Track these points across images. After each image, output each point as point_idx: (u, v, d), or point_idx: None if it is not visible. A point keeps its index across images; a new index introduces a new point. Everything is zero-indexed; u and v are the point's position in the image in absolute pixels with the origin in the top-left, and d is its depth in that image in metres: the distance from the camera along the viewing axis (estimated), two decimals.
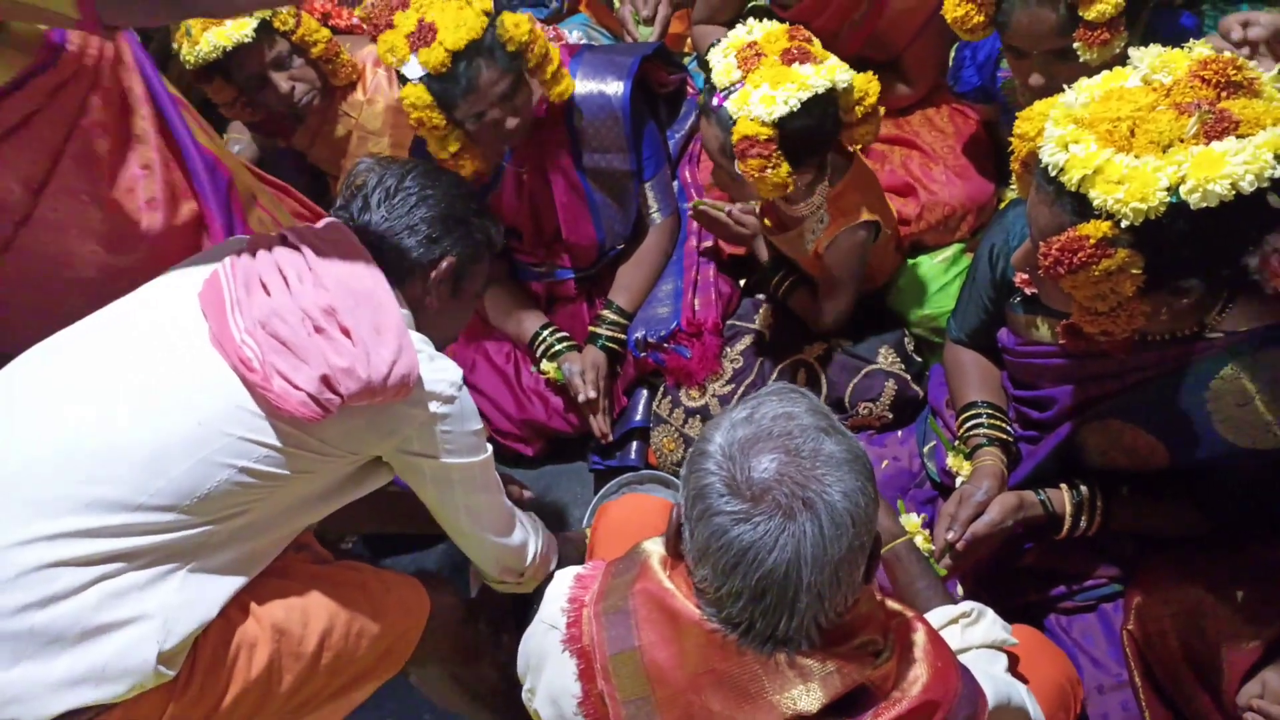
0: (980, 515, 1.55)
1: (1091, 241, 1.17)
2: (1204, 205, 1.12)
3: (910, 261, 2.24)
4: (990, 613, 1.39)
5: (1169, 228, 1.15)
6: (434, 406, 1.47)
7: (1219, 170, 1.10)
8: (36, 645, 1.25)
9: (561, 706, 1.22)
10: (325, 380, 1.34)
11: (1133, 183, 1.14)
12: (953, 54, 2.14)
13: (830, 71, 1.75)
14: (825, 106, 1.76)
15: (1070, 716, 1.48)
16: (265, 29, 2.21)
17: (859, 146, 1.94)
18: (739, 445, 1.05)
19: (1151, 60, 1.24)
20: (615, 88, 2.17)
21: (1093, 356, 1.48)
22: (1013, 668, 1.38)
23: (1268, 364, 1.34)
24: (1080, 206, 1.20)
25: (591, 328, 2.31)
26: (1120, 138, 1.17)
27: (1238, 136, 1.13)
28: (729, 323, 2.28)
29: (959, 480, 1.68)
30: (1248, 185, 1.11)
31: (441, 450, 1.51)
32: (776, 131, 1.71)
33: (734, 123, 1.74)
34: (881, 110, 1.86)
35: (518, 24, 1.93)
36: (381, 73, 2.41)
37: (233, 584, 1.41)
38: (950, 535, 1.55)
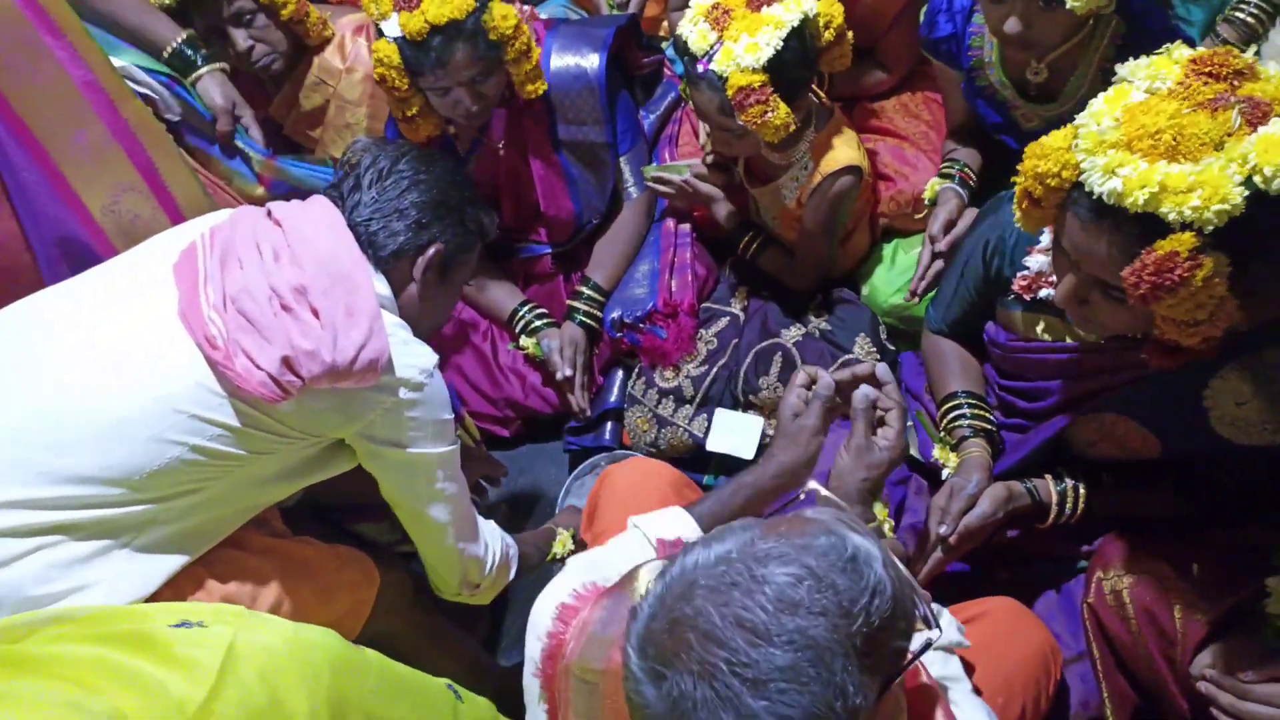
0: (971, 508, 1.53)
1: (1183, 257, 1.13)
2: None
3: (882, 252, 2.22)
4: (946, 614, 1.34)
5: (1248, 221, 1.12)
6: (403, 393, 1.42)
7: None
8: None
9: None
10: (287, 361, 1.29)
11: (1205, 187, 1.11)
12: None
13: (798, 3, 1.82)
14: (803, 36, 1.84)
15: (1050, 681, 1.47)
16: None
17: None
18: (685, 614, 0.84)
19: (1144, 71, 1.21)
20: (591, 60, 2.16)
21: (1092, 353, 1.46)
22: (966, 667, 1.33)
23: (1269, 364, 1.33)
24: (1147, 228, 1.16)
25: (569, 303, 2.27)
26: (1166, 148, 1.14)
27: (1277, 116, 1.12)
28: (705, 305, 2.26)
29: (945, 472, 1.66)
30: None
31: (407, 438, 1.46)
32: (768, 74, 1.79)
33: (725, 81, 1.81)
34: (850, 35, 1.92)
35: (505, 16, 1.90)
36: (362, 41, 2.33)
37: (178, 561, 1.37)
38: (943, 529, 1.52)
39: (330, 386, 1.35)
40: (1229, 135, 1.12)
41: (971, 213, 2.01)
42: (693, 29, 1.87)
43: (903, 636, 0.88)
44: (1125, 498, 1.58)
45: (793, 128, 1.86)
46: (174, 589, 1.37)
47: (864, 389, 1.36)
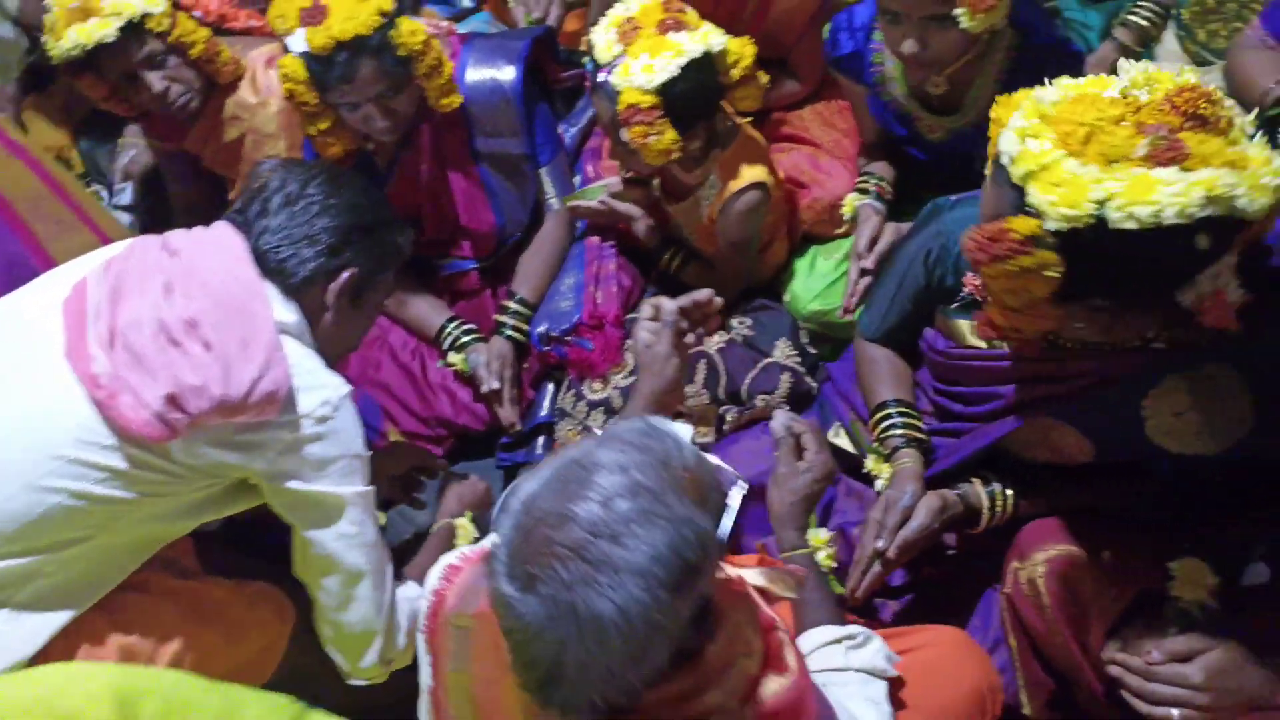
0: (907, 520, 1.53)
1: (1015, 236, 1.15)
2: (1123, 227, 1.10)
3: (801, 258, 2.23)
4: (877, 640, 1.35)
5: (1090, 241, 1.13)
6: (306, 426, 1.35)
7: (1147, 196, 1.08)
8: None
9: (423, 701, 1.18)
10: (172, 398, 1.24)
11: (1068, 188, 1.12)
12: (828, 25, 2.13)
13: (704, 37, 1.84)
14: (704, 71, 1.85)
15: (987, 718, 1.46)
16: (134, 29, 2.10)
17: (748, 119, 2.03)
18: (534, 519, 0.93)
19: (1135, 75, 1.20)
20: (506, 73, 2.17)
21: (1030, 361, 1.46)
22: (894, 691, 1.34)
23: (1206, 376, 1.34)
24: (1020, 200, 1.17)
25: (496, 317, 2.27)
26: (1075, 142, 1.14)
27: (1182, 169, 1.11)
28: (630, 316, 2.24)
29: (879, 484, 1.66)
30: (1170, 217, 1.08)
31: (313, 475, 1.38)
32: (660, 99, 1.80)
33: (619, 93, 1.82)
34: (763, 76, 1.94)
35: (414, 31, 1.89)
36: (274, 74, 2.29)
37: (65, 616, 1.30)
38: (880, 544, 1.52)
39: (224, 422, 1.29)
40: (1127, 158, 1.13)
41: (892, 226, 2.04)
42: (602, 36, 1.89)
43: (717, 488, 1.00)
44: (1050, 497, 1.60)
45: (676, 154, 1.87)
46: (67, 641, 1.31)
47: (781, 417, 1.47)
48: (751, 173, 2.02)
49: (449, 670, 1.10)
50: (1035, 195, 1.16)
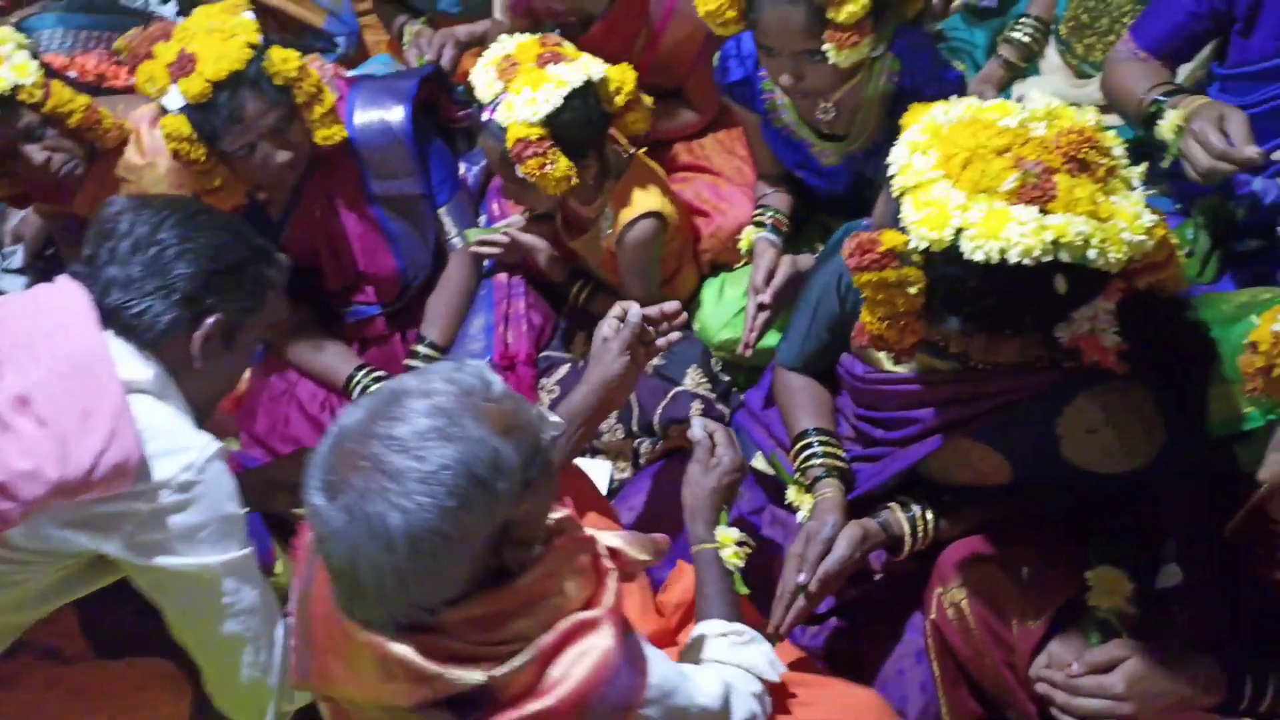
0: (829, 552, 1.51)
1: (882, 247, 1.16)
2: (973, 257, 1.11)
3: (709, 286, 2.23)
4: (765, 646, 1.35)
5: (947, 265, 1.15)
6: (165, 496, 1.25)
7: (998, 232, 1.09)
8: None
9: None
10: (2, 488, 1.15)
11: (934, 209, 1.13)
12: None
13: (584, 67, 1.86)
14: (587, 98, 1.87)
15: None
16: (5, 102, 1.99)
17: (644, 149, 2.05)
18: (344, 437, 1.01)
19: (1036, 108, 1.20)
20: (396, 113, 2.13)
21: (945, 383, 1.47)
22: (781, 700, 1.34)
23: (1116, 393, 1.35)
24: (898, 213, 1.19)
25: (406, 363, 2.22)
26: (954, 166, 1.15)
27: (1043, 210, 1.11)
28: (543, 354, 2.25)
29: (800, 515, 1.64)
30: (1015, 256, 1.09)
31: (178, 546, 1.27)
32: (547, 129, 1.82)
33: (505, 130, 1.83)
34: (648, 100, 1.96)
35: (286, 59, 1.86)
36: (159, 132, 2.19)
37: None
38: (801, 578, 1.49)
39: (70, 502, 1.20)
40: (995, 190, 1.14)
41: (789, 259, 2.04)
42: (481, 76, 1.89)
43: (528, 426, 1.06)
44: (969, 515, 1.59)
45: (575, 181, 1.88)
46: None
47: (698, 423, 1.56)
48: (646, 202, 2.02)
49: (299, 589, 1.14)
50: (907, 210, 1.17)
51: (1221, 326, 1.35)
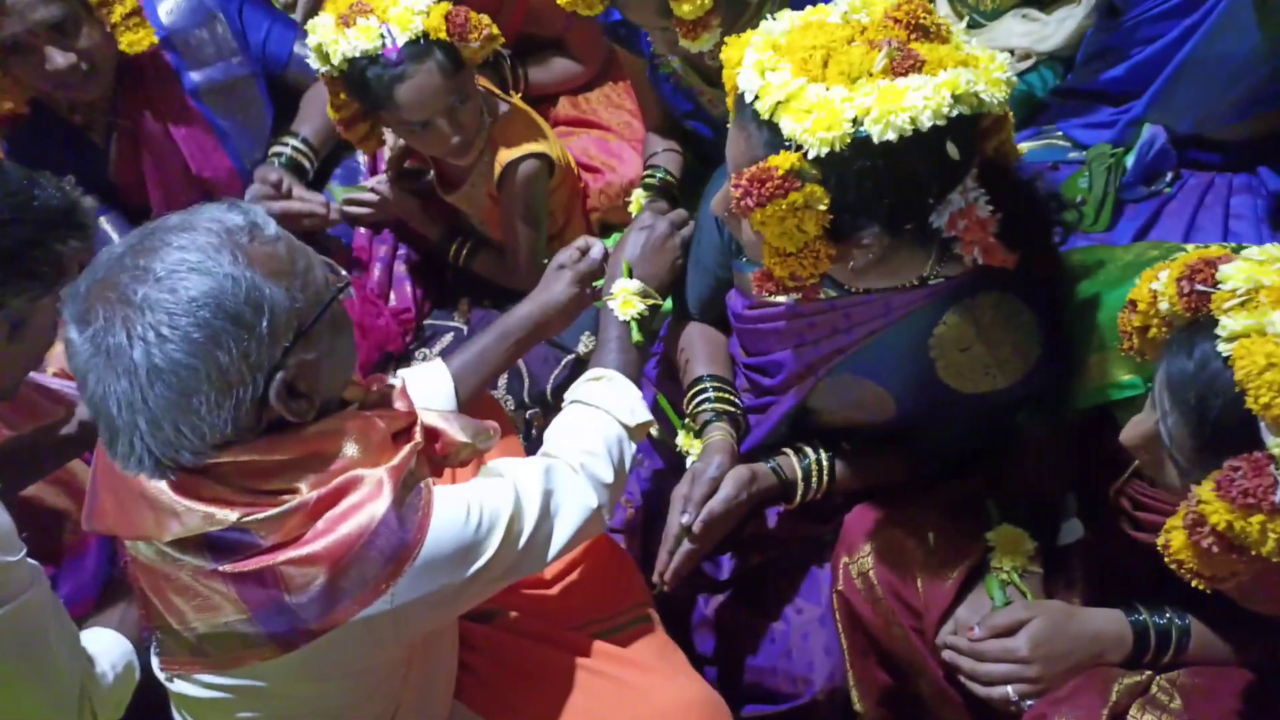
0: (714, 492, 1.46)
1: (780, 173, 1.11)
2: (886, 138, 1.08)
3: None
4: (634, 390, 1.41)
5: (852, 162, 1.11)
6: None
7: (900, 103, 1.07)
8: None
9: None
10: None
11: (821, 112, 1.09)
12: None
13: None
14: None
15: None
16: None
17: (517, 94, 2.01)
18: (101, 269, 0.99)
19: (853, 0, 1.19)
20: None
21: (818, 312, 1.43)
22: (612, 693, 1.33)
23: (985, 306, 1.33)
24: (774, 137, 1.13)
25: (271, 151, 2.06)
26: (814, 67, 1.12)
27: (923, 74, 1.10)
28: (427, 322, 2.16)
29: (689, 460, 1.59)
30: (927, 120, 1.07)
31: None
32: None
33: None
34: (494, 28, 1.81)
35: None
36: None
37: None
38: (685, 519, 1.45)
39: None
40: (869, 74, 1.12)
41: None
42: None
43: (305, 273, 1.04)
44: (862, 465, 1.57)
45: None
46: None
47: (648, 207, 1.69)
48: (527, 144, 1.95)
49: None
50: (789, 125, 1.12)
51: (1107, 289, 1.34)
